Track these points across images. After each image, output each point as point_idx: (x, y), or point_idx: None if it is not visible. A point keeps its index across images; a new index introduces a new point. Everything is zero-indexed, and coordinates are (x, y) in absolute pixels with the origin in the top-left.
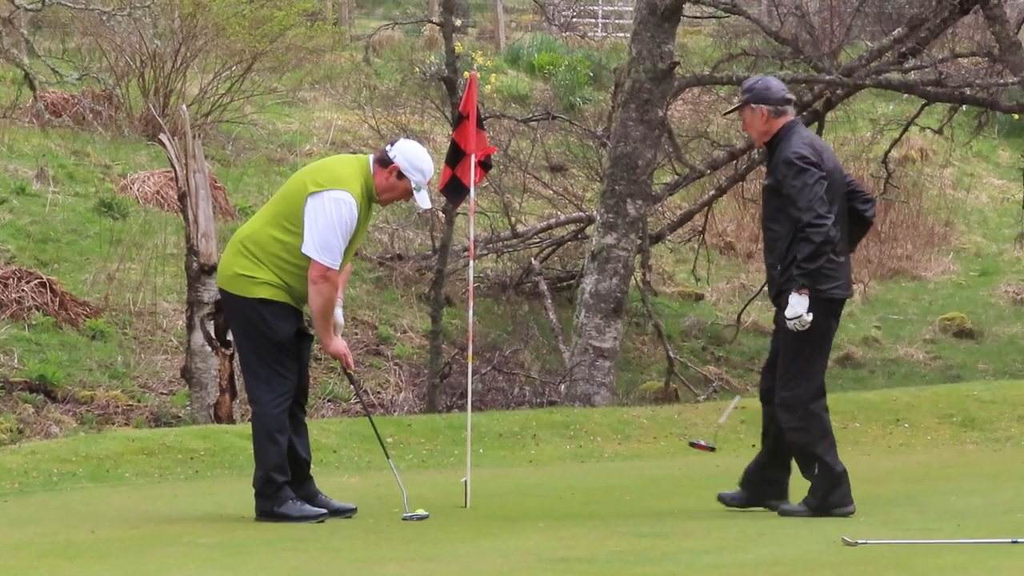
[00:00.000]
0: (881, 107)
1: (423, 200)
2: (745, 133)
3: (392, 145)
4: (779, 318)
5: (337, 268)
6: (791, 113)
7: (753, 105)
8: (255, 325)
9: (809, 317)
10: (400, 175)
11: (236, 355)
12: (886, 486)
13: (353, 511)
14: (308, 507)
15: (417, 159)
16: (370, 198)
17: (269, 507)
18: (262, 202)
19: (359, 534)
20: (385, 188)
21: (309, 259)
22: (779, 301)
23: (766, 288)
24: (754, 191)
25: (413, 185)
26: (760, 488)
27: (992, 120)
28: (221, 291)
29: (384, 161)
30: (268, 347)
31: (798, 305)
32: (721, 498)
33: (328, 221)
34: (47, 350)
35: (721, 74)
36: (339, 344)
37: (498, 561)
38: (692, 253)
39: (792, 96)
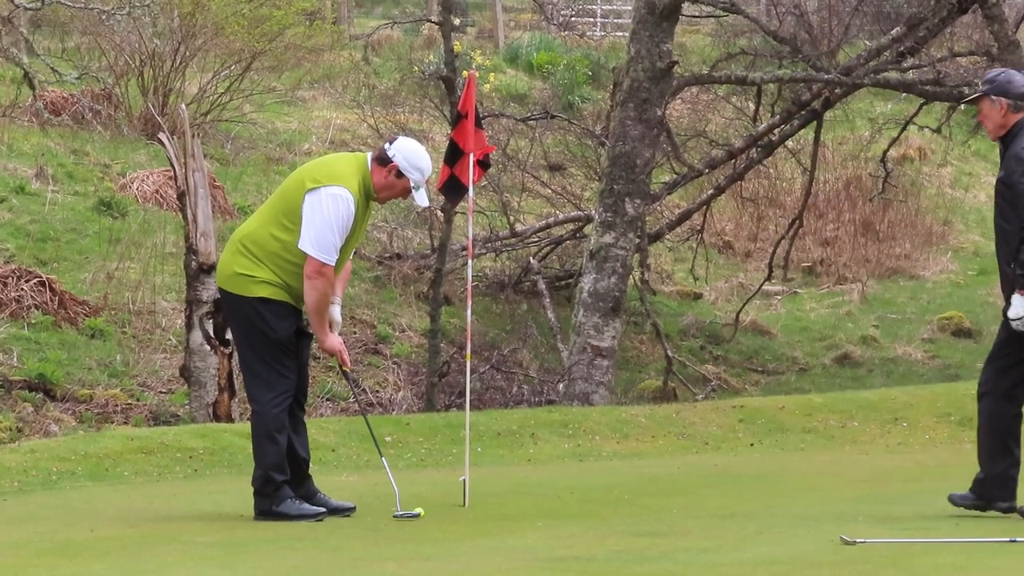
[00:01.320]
0: (879, 106)
1: (421, 198)
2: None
3: (391, 143)
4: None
5: (332, 264)
6: None
7: (993, 97)
8: (254, 324)
9: None
10: (399, 174)
11: (235, 354)
12: (884, 485)
13: (352, 510)
14: (307, 506)
15: (416, 157)
16: (368, 196)
17: (268, 506)
18: (261, 201)
19: (358, 533)
20: (384, 186)
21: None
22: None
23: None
24: (752, 190)
25: (412, 184)
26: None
27: None
28: (220, 290)
29: (383, 160)
30: (267, 346)
31: (1020, 306)
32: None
33: (325, 217)
34: (46, 349)
35: (719, 73)
36: (334, 341)
37: (496, 560)
38: (690, 252)
39: None
